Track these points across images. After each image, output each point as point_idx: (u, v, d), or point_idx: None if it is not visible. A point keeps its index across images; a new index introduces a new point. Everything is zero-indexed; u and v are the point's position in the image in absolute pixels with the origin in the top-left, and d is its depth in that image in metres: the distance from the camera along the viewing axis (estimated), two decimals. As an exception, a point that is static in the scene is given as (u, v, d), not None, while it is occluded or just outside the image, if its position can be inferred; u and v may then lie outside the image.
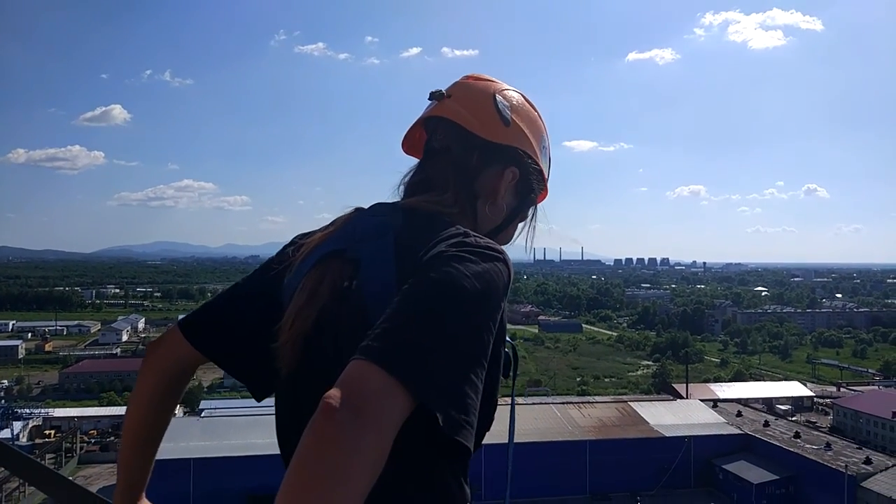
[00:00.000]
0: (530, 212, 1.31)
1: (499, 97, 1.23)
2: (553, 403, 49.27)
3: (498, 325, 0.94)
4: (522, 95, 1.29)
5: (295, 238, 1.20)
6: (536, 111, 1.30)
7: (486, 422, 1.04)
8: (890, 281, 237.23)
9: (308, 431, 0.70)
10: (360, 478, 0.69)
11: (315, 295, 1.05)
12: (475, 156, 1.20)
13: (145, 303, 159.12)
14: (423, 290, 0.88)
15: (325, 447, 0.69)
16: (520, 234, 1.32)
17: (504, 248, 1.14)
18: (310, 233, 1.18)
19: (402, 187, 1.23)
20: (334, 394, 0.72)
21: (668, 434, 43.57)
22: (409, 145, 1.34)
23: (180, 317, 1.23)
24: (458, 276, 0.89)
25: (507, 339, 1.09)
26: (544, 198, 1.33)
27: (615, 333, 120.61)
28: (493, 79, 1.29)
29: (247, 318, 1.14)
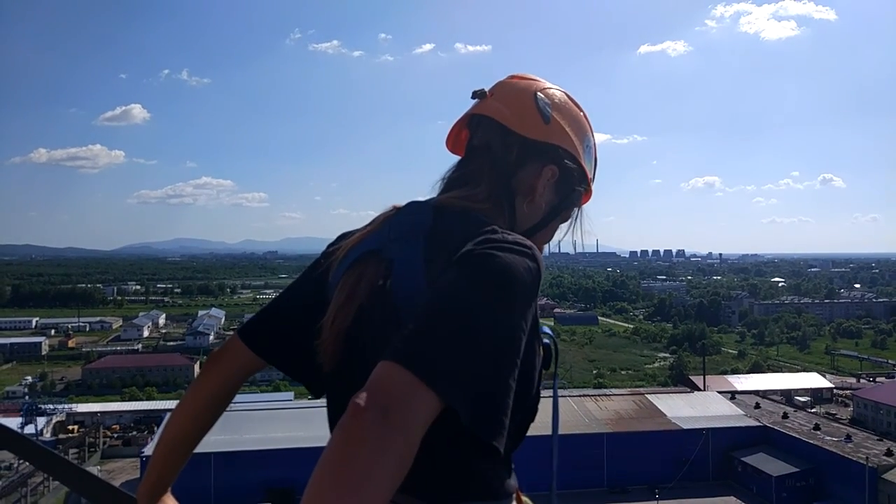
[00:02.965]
0: (574, 213, 1.30)
1: (540, 95, 1.23)
2: (570, 396, 49.18)
3: (531, 319, 0.93)
4: (567, 94, 1.28)
5: (339, 236, 1.22)
6: (581, 111, 1.29)
7: (528, 415, 1.07)
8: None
9: (336, 431, 0.72)
10: (386, 478, 0.70)
11: (353, 294, 1.07)
12: (514, 153, 1.19)
13: (165, 299, 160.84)
14: (449, 290, 0.89)
15: (352, 447, 0.70)
16: (564, 235, 1.31)
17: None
18: (352, 231, 1.19)
19: (440, 183, 1.23)
20: (362, 395, 0.73)
21: (685, 426, 43.40)
22: (452, 143, 1.33)
23: (200, 312, 1.25)
24: (485, 274, 0.90)
25: (547, 330, 1.10)
26: (588, 199, 1.31)
27: (631, 326, 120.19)
28: (537, 78, 1.28)
29: (300, 320, 1.15)
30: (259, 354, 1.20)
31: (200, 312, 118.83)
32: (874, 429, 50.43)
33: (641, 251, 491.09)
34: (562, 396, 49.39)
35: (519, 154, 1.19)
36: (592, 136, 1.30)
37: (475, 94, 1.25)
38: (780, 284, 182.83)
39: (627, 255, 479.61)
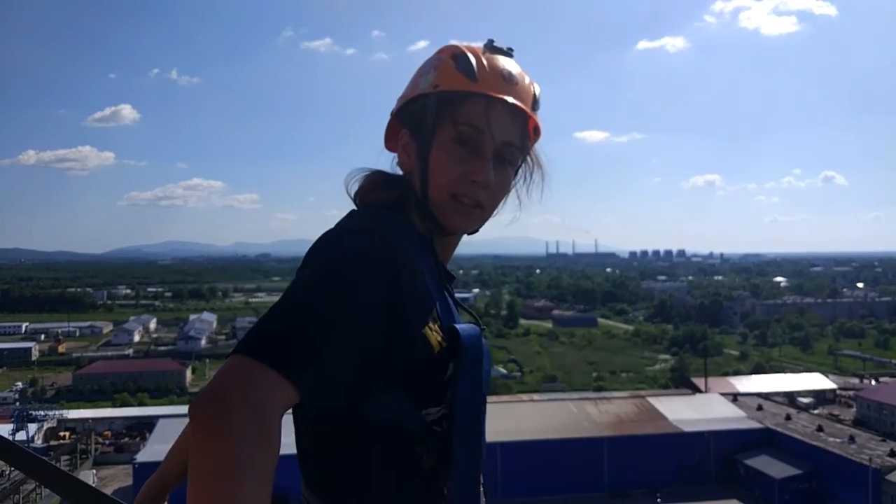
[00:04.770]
0: (464, 112, 1.14)
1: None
2: (569, 399, 48.64)
3: (368, 303, 0.91)
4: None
5: None
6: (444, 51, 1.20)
7: (450, 416, 1.02)
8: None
9: (191, 438, 0.72)
10: (251, 464, 0.69)
11: None
12: (399, 149, 1.22)
13: (156, 303, 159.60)
14: (289, 286, 0.94)
15: (204, 448, 0.69)
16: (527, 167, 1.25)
17: (483, 176, 1.13)
18: None
19: None
20: (200, 394, 0.74)
21: (687, 429, 42.80)
22: None
23: (192, 316, 1.32)
24: (311, 262, 0.97)
25: (464, 326, 1.06)
26: (453, 82, 1.14)
27: (631, 327, 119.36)
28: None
29: None
30: None
31: (192, 317, 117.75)
32: (878, 429, 49.75)
33: (641, 251, 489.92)
34: (561, 400, 48.74)
35: (393, 143, 1.24)
36: (442, 53, 1.19)
37: None
38: (782, 284, 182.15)
39: (627, 256, 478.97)
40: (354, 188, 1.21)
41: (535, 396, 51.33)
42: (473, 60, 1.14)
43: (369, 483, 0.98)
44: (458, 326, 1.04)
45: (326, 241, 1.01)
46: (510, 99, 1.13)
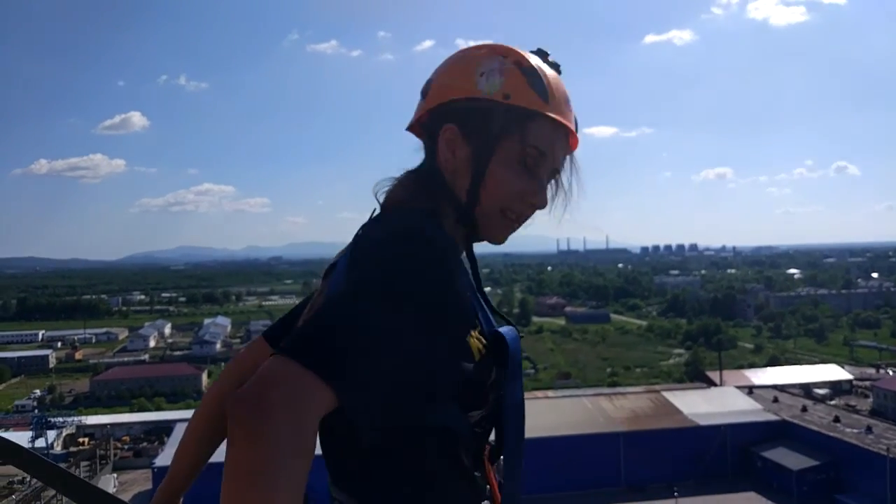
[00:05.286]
0: (525, 135, 1.12)
1: (427, 80, 1.21)
2: (584, 396, 48.67)
3: (427, 312, 0.90)
4: (467, 47, 1.21)
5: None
6: (482, 47, 1.17)
7: (491, 418, 1.05)
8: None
9: (228, 433, 0.72)
10: (285, 464, 0.69)
11: (311, 306, 1.14)
12: (427, 141, 1.20)
13: (171, 308, 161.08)
14: (337, 289, 0.95)
15: (240, 443, 0.69)
16: (562, 184, 1.23)
17: (538, 198, 1.15)
18: None
19: None
20: (240, 389, 0.73)
21: (703, 423, 42.71)
22: None
23: (206, 321, 1.32)
24: (360, 268, 0.95)
25: (506, 330, 1.07)
26: (541, 108, 1.12)
27: (645, 322, 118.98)
28: (447, 59, 1.22)
29: None
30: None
31: (206, 321, 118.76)
32: (895, 419, 49.46)
33: (653, 246, 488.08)
34: (575, 396, 48.78)
35: (429, 140, 1.18)
36: (507, 55, 1.15)
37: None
38: (795, 276, 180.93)
39: (639, 251, 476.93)
40: (385, 189, 1.19)
41: (550, 393, 51.47)
42: (545, 80, 1.13)
43: (413, 484, 0.98)
44: (502, 332, 1.05)
45: (379, 246, 0.97)
46: (572, 127, 1.17)
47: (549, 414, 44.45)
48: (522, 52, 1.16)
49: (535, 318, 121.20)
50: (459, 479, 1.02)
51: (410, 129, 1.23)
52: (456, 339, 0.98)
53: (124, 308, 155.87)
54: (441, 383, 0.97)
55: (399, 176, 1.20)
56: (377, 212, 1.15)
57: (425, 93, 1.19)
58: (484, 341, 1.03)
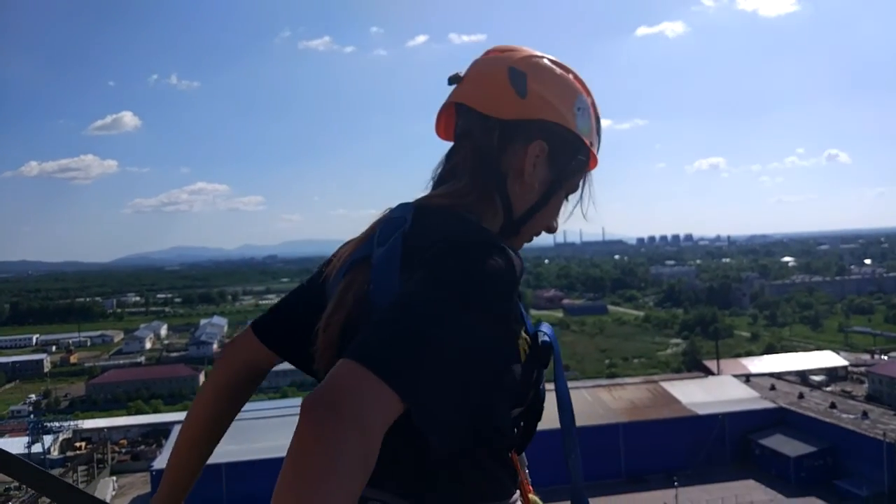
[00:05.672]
0: (581, 182, 1.24)
1: (514, 68, 1.16)
2: (583, 388, 48.71)
3: (500, 321, 0.93)
4: (551, 60, 1.20)
5: (345, 244, 1.20)
6: (570, 72, 1.21)
7: (531, 415, 1.09)
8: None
9: (294, 434, 0.71)
10: (346, 475, 0.69)
11: (342, 302, 1.07)
12: (495, 136, 1.14)
13: (166, 309, 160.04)
14: (409, 291, 0.90)
15: (305, 446, 0.69)
16: (574, 207, 1.26)
17: (557, 223, 1.24)
18: (353, 238, 1.19)
19: (431, 180, 1.20)
20: (314, 393, 0.73)
21: (701, 412, 42.88)
22: (444, 131, 1.29)
23: (202, 321, 1.31)
24: (443, 274, 0.90)
25: (546, 329, 1.09)
26: (595, 164, 1.24)
27: (642, 313, 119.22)
28: (515, 47, 1.22)
29: (308, 320, 1.13)
30: (268, 346, 1.22)
31: (202, 321, 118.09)
32: (890, 404, 49.58)
33: (649, 237, 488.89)
34: (574, 388, 48.78)
35: (501, 136, 1.14)
36: (588, 95, 1.22)
37: (451, 80, 1.21)
38: (790, 264, 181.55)
39: (635, 242, 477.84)
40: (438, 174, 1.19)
41: (549, 386, 51.18)
42: (601, 125, 1.26)
43: (462, 478, 1.00)
44: (546, 332, 1.08)
45: (457, 252, 0.94)
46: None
47: (548, 407, 44.22)
48: (596, 109, 1.23)
49: (533, 312, 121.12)
50: (500, 469, 1.06)
51: (467, 107, 1.18)
52: (516, 344, 1.01)
53: (119, 310, 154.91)
54: (507, 388, 1.00)
55: (450, 163, 1.19)
56: (428, 204, 1.12)
57: (521, 92, 1.14)
58: (528, 342, 1.05)
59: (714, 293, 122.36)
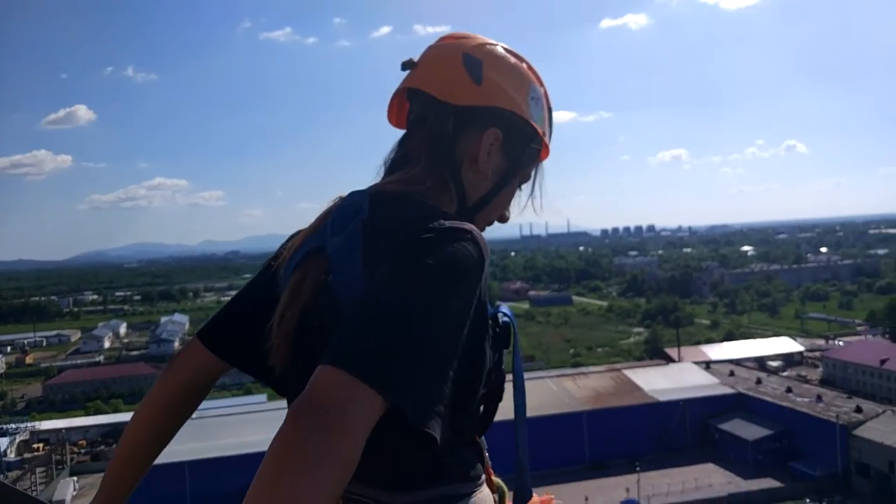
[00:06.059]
0: (533, 172, 1.24)
1: (469, 54, 1.15)
2: (548, 377, 49.20)
3: (473, 306, 0.92)
4: (505, 48, 1.20)
5: (291, 235, 1.16)
6: (523, 61, 1.21)
7: (492, 398, 1.07)
8: (872, 232, 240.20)
9: (274, 440, 0.70)
10: (330, 482, 0.68)
11: (297, 294, 1.03)
12: (450, 123, 1.13)
13: (125, 307, 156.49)
14: (383, 285, 0.87)
15: (291, 454, 0.68)
16: (528, 199, 1.26)
17: (510, 213, 1.25)
18: (302, 230, 1.15)
19: (382, 167, 1.18)
20: (299, 401, 0.72)
21: (662, 399, 43.70)
22: (396, 118, 1.27)
23: (163, 319, 1.27)
24: (418, 266, 0.88)
25: (505, 310, 1.09)
26: (547, 154, 1.25)
27: (605, 303, 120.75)
28: (470, 35, 1.21)
29: (256, 320, 1.10)
30: (218, 355, 1.18)
31: (163, 319, 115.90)
32: (843, 387, 51.21)
33: (612, 228, 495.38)
34: (540, 378, 49.26)
35: (455, 123, 1.13)
36: (541, 85, 1.23)
37: (404, 65, 1.19)
38: (749, 253, 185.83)
39: (599, 234, 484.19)
40: (390, 161, 1.17)
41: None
42: (553, 117, 1.27)
43: (437, 464, 1.00)
44: (506, 313, 1.08)
45: (423, 240, 0.92)
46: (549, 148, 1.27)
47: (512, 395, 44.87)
48: (544, 82, 1.24)
49: (500, 303, 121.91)
50: (470, 452, 1.08)
51: (418, 90, 1.16)
52: (487, 327, 1.01)
53: (76, 309, 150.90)
54: (480, 372, 1.00)
55: (403, 150, 1.17)
56: (384, 191, 1.09)
57: (477, 78, 1.13)
58: (491, 323, 1.04)
59: (675, 283, 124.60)
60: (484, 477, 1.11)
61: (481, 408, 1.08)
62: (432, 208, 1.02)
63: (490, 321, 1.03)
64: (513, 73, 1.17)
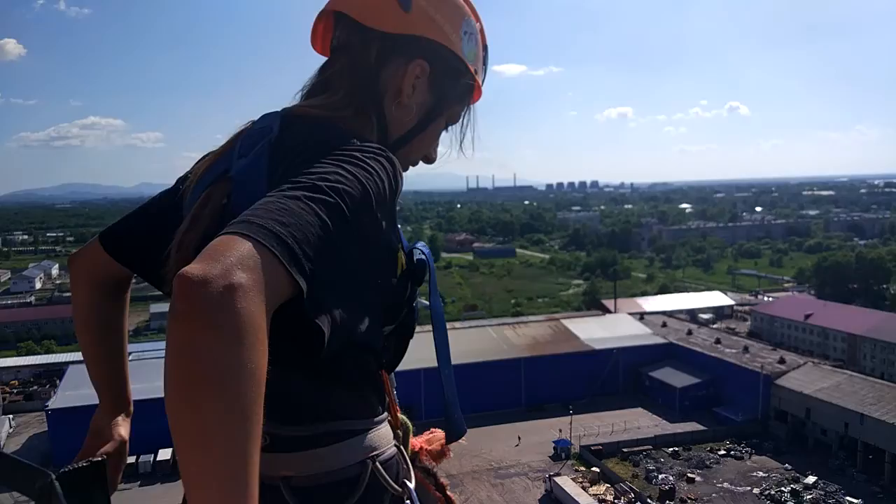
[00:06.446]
0: (463, 114, 1.19)
1: None
2: (489, 326, 50.22)
3: (383, 227, 0.88)
4: None
5: (200, 159, 1.11)
6: None
7: (402, 331, 1.05)
8: (805, 193, 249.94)
9: (170, 320, 0.61)
10: (247, 361, 0.60)
11: (197, 219, 0.97)
12: (374, 50, 1.08)
13: (57, 248, 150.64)
14: (290, 185, 0.81)
15: (191, 329, 0.59)
16: (461, 140, 1.21)
17: (436, 153, 1.18)
18: (211, 152, 1.09)
19: (300, 92, 1.12)
20: (200, 265, 0.63)
21: (598, 347, 45.23)
22: (321, 45, 1.19)
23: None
24: (324, 166, 0.84)
25: (420, 246, 1.05)
26: (479, 96, 1.20)
27: (548, 256, 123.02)
28: None
29: (162, 232, 1.04)
30: (114, 257, 1.13)
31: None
32: (769, 340, 54.03)
33: (557, 183, 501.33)
34: (481, 326, 50.24)
35: (380, 51, 1.08)
36: (477, 20, 1.16)
37: None
38: (687, 210, 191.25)
39: (544, 188, 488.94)
40: (322, 99, 1.08)
41: (457, 325, 52.63)
42: (488, 55, 1.22)
43: (332, 398, 0.97)
44: (422, 250, 1.05)
45: (334, 150, 0.89)
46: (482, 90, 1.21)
47: (455, 344, 44.18)
48: (480, 17, 1.18)
49: (444, 255, 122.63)
50: (370, 387, 1.02)
51: (341, 13, 1.11)
52: (395, 255, 0.97)
53: (5, 249, 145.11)
54: (384, 298, 0.96)
55: (324, 76, 1.11)
56: (298, 113, 1.04)
57: (405, 5, 1.07)
58: (404, 258, 1.01)
59: (615, 237, 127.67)
60: (386, 415, 1.07)
61: (391, 343, 1.03)
62: (348, 131, 0.97)
63: (404, 255, 1.00)
64: (445, 4, 1.11)
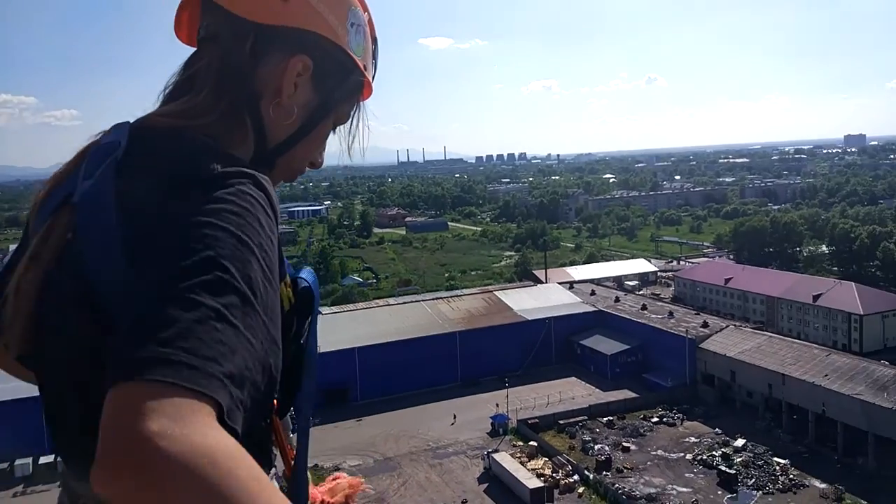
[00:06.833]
0: (352, 114, 1.06)
1: None
2: (423, 301, 50.14)
3: (264, 269, 0.72)
4: None
5: (45, 181, 0.90)
6: None
7: (297, 368, 0.93)
8: (721, 161, 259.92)
9: None
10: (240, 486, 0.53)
11: (36, 257, 0.81)
12: (247, 43, 0.92)
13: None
14: (162, 263, 0.68)
15: None
16: (351, 140, 1.08)
17: (323, 158, 1.06)
18: (57, 172, 0.90)
19: (161, 93, 0.95)
20: (107, 456, 0.53)
21: (530, 318, 45.95)
22: (187, 35, 1.02)
23: (11, 247, 1.03)
24: (200, 229, 0.70)
25: (304, 274, 0.97)
26: (369, 93, 1.07)
27: (479, 228, 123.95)
28: None
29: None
30: None
31: (11, 247, 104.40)
32: (692, 304, 56.21)
33: (487, 156, 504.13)
34: (415, 301, 50.08)
35: (255, 45, 0.92)
36: (365, 10, 1.04)
37: None
38: (610, 180, 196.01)
39: (474, 161, 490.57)
40: (184, 105, 0.90)
41: (391, 301, 52.36)
42: (377, 48, 1.08)
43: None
44: (307, 279, 0.95)
45: (191, 195, 0.73)
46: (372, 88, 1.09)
47: (389, 320, 45.44)
48: (368, 8, 1.06)
49: (377, 230, 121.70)
50: (254, 448, 0.69)
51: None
52: (276, 293, 0.77)
53: None
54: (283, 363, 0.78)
55: (188, 72, 0.94)
56: (150, 125, 0.87)
57: None
58: (290, 290, 0.91)
59: (544, 208, 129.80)
60: (274, 470, 0.95)
61: (280, 386, 0.83)
62: (204, 148, 0.81)
63: (288, 284, 0.90)
64: None
